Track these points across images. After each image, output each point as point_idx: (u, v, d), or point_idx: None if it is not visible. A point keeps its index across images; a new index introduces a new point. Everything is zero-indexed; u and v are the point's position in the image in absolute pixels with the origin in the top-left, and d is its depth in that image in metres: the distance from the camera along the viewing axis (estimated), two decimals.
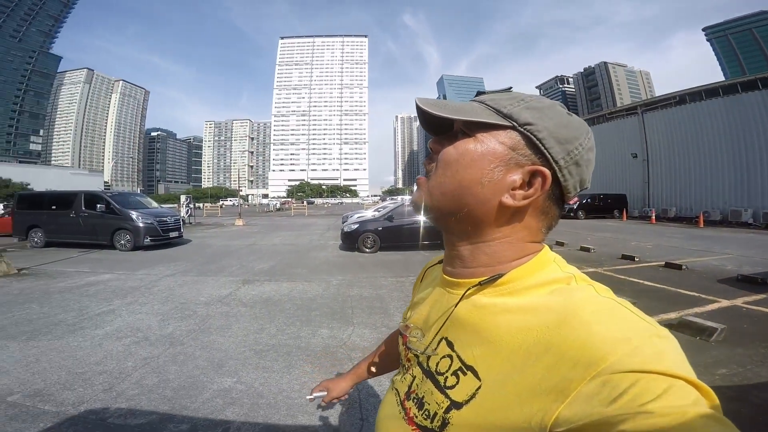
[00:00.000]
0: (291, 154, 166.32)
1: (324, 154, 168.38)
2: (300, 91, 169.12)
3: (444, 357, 0.50)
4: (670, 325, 3.77)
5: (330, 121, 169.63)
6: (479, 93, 0.54)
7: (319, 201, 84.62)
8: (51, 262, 8.23)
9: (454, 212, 0.49)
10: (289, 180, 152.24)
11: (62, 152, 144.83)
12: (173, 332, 3.80)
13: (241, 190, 48.70)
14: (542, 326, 0.41)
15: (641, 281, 5.85)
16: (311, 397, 0.99)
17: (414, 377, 0.55)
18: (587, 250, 9.04)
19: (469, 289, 0.49)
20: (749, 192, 18.16)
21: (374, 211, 14.65)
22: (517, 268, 0.47)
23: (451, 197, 0.49)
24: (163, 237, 10.54)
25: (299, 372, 2.98)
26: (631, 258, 7.80)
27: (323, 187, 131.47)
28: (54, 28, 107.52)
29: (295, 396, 2.62)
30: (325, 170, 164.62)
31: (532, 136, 0.46)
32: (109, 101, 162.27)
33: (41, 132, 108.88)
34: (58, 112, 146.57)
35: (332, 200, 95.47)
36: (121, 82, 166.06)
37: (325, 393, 0.98)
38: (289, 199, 76.52)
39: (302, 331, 3.89)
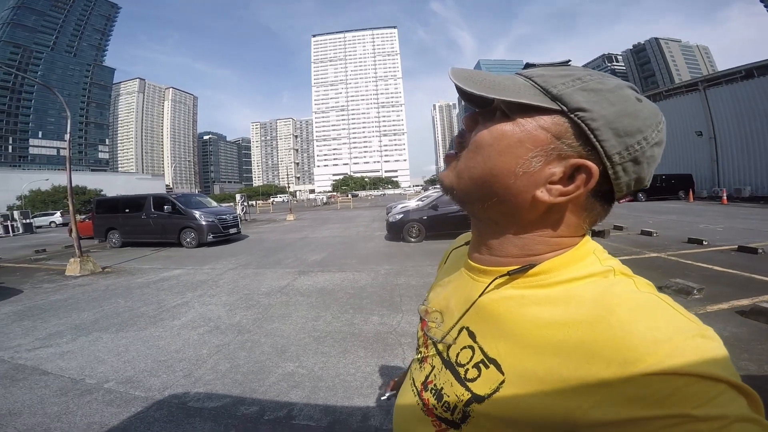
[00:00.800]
0: (333, 149, 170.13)
1: (364, 147, 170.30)
2: (337, 87, 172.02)
3: (465, 348, 0.47)
4: (742, 312, 3.51)
5: (368, 114, 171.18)
6: (528, 66, 0.48)
7: (362, 194, 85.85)
8: (128, 260, 9.19)
9: (483, 200, 0.46)
10: (333, 174, 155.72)
11: (127, 159, 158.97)
12: (240, 321, 4.15)
13: (289, 187, 50.65)
14: (574, 322, 0.38)
15: (711, 266, 5.42)
16: (386, 396, 0.96)
17: (433, 367, 0.52)
18: (649, 233, 8.45)
19: (496, 278, 0.46)
20: None
21: (417, 200, 14.67)
22: (551, 260, 0.44)
23: (481, 184, 0.44)
24: (224, 233, 11.36)
25: (354, 356, 3.16)
26: (699, 242, 7.20)
27: (366, 179, 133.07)
28: (102, 41, 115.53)
29: (351, 379, 2.79)
30: (366, 163, 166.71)
31: (584, 125, 0.39)
32: (163, 108, 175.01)
33: (107, 141, 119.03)
34: (119, 122, 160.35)
35: (375, 192, 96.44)
36: (171, 89, 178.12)
37: (396, 392, 0.94)
38: (335, 193, 78.34)
39: (355, 318, 4.09)
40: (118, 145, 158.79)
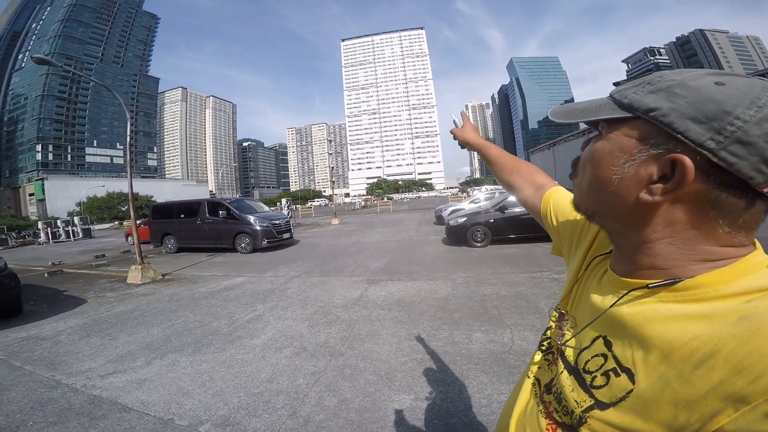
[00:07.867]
0: (366, 153, 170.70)
1: (397, 150, 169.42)
2: (368, 90, 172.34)
3: (597, 356, 0.47)
4: None
5: (399, 117, 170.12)
6: (615, 84, 0.50)
7: (396, 197, 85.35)
8: (186, 267, 9.22)
9: (597, 210, 0.49)
10: (367, 178, 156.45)
11: (172, 166, 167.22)
12: (327, 340, 3.74)
13: (325, 191, 51.16)
14: (726, 336, 0.35)
15: None
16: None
17: (558, 370, 0.53)
18: None
19: (631, 290, 0.46)
20: None
21: (470, 201, 14.02)
22: (710, 273, 0.41)
23: (589, 195, 0.49)
24: (278, 238, 11.25)
25: (477, 383, 2.67)
26: None
27: (399, 182, 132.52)
28: (146, 51, 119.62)
29: (487, 411, 2.32)
30: (399, 166, 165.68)
31: (657, 123, 0.41)
32: (204, 116, 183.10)
33: (155, 149, 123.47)
34: (165, 130, 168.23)
35: (410, 195, 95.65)
36: (211, 98, 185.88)
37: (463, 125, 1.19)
38: (370, 197, 78.60)
39: (455, 335, 3.59)
40: (165, 152, 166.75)
